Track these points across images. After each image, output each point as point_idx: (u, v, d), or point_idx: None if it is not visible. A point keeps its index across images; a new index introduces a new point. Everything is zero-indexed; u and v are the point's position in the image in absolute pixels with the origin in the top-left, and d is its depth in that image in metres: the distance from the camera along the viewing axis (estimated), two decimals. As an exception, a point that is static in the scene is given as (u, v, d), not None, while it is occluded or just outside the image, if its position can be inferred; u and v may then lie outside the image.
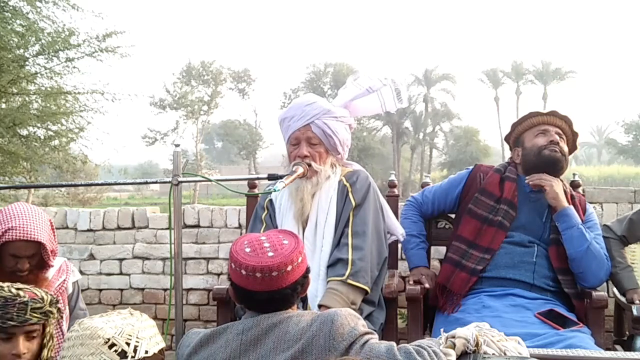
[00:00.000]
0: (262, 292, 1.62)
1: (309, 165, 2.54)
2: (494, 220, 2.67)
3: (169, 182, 2.42)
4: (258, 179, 2.52)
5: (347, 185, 2.61)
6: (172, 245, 2.43)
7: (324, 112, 2.57)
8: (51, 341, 1.88)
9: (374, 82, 2.76)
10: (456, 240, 2.74)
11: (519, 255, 2.62)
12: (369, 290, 2.44)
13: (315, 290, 2.42)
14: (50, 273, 2.35)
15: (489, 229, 2.67)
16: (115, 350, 1.57)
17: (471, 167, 2.93)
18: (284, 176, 2.43)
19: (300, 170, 2.49)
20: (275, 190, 2.35)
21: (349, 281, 2.39)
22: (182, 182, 2.43)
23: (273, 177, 2.51)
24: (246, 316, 1.68)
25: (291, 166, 2.54)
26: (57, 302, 1.90)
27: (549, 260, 2.62)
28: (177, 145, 2.47)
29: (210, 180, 2.63)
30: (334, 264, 2.46)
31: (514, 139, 2.84)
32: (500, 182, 2.74)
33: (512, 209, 2.68)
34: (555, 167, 2.68)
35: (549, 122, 2.74)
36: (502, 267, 2.61)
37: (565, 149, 2.73)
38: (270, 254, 1.63)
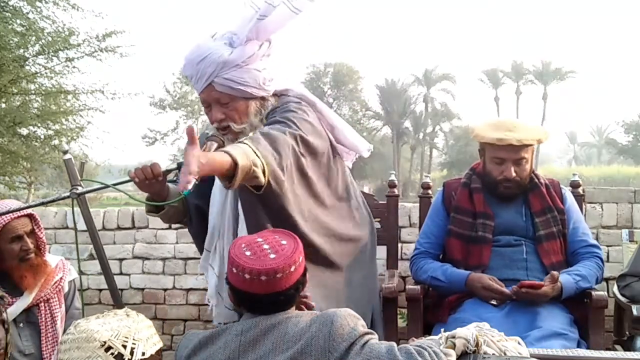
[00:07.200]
0: (267, 294, 1.61)
1: (227, 127, 2.21)
2: (477, 237, 2.65)
3: (68, 197, 2.26)
4: (168, 171, 2.14)
5: None
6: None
7: (220, 66, 2.15)
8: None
9: None
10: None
11: (510, 254, 2.62)
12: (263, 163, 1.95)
13: None
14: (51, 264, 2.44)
15: (474, 248, 2.65)
16: (112, 353, 1.56)
17: (441, 190, 2.86)
18: None
19: (215, 146, 2.12)
20: (185, 195, 1.79)
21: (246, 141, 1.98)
22: (81, 194, 2.29)
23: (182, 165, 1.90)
24: (245, 317, 1.68)
25: (205, 144, 2.11)
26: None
27: (539, 257, 2.61)
28: (65, 152, 2.30)
29: (108, 186, 2.30)
30: None
31: (479, 143, 2.70)
32: (469, 197, 2.71)
33: (489, 220, 2.65)
34: (511, 200, 2.65)
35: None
36: (496, 268, 2.61)
37: (526, 168, 2.61)
38: (272, 255, 1.62)
